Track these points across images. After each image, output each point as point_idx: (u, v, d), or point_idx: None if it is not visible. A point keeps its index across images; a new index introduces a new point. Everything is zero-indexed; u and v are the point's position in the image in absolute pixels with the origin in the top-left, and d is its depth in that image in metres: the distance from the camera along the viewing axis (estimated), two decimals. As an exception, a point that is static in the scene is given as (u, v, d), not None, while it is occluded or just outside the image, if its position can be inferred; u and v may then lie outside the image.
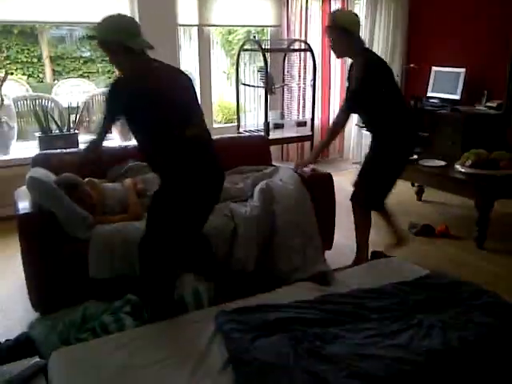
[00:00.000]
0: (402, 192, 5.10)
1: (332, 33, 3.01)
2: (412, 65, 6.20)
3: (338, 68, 6.35)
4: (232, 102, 5.77)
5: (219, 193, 2.49)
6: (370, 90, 2.92)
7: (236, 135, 4.54)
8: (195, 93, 2.48)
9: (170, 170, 2.31)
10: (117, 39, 2.25)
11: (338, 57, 3.21)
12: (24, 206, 2.69)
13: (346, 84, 3.26)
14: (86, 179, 3.03)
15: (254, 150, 3.81)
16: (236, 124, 5.33)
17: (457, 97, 5.54)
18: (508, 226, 4.20)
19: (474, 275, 3.16)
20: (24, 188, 3.01)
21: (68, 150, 3.45)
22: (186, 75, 2.48)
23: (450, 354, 1.94)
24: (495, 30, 5.34)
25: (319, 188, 3.32)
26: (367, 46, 3.11)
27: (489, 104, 5.31)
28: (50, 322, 2.45)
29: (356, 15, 3.13)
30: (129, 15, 2.46)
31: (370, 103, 2.98)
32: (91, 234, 2.70)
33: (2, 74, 4.40)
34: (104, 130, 2.34)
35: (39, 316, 2.65)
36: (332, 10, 3.11)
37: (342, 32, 2.95)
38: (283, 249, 2.98)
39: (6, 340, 2.41)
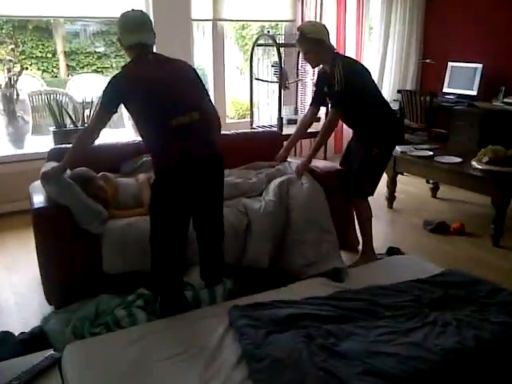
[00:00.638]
0: (416, 189, 5.07)
1: (303, 46, 3.13)
2: (428, 60, 6.13)
3: (353, 63, 6.30)
4: (245, 97, 5.74)
5: (210, 180, 2.46)
6: (356, 89, 3.04)
7: (249, 131, 4.52)
8: (198, 82, 2.51)
9: (156, 160, 2.39)
10: (118, 35, 2.43)
11: (313, 67, 3.37)
12: (39, 200, 2.70)
13: (313, 88, 3.47)
14: (100, 173, 3.04)
15: (267, 146, 3.79)
16: (249, 119, 5.31)
17: (473, 92, 5.47)
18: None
19: (489, 273, 3.12)
20: (39, 182, 3.04)
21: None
22: (188, 66, 2.53)
23: (465, 353, 1.92)
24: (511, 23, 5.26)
25: (334, 183, 3.29)
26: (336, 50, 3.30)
27: (506, 100, 5.23)
28: (63, 316, 2.47)
29: (322, 25, 3.27)
30: (143, 11, 2.50)
31: (355, 103, 3.08)
32: (105, 228, 2.71)
33: (18, 69, 4.42)
34: (102, 125, 2.43)
35: (53, 310, 2.66)
36: (298, 26, 3.30)
37: (313, 43, 3.07)
38: (297, 244, 2.97)
39: (21, 333, 2.44)
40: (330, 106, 3.22)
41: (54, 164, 2.82)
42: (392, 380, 1.75)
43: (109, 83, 2.36)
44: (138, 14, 2.44)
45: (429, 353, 1.90)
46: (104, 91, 2.36)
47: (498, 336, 2.02)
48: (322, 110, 3.69)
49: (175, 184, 2.33)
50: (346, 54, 3.34)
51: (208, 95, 2.58)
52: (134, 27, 2.37)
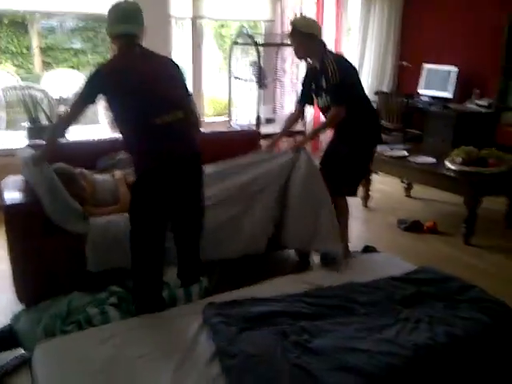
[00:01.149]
0: (391, 188, 5.13)
1: (294, 38, 3.15)
2: (404, 62, 6.21)
3: (331, 64, 6.34)
4: (224, 95, 5.74)
5: (191, 179, 2.45)
6: (347, 86, 3.07)
7: (227, 130, 4.52)
8: (181, 80, 2.49)
9: (137, 160, 2.35)
10: (107, 24, 2.37)
11: (299, 58, 3.32)
12: (10, 196, 2.65)
13: (301, 87, 3.46)
14: (78, 170, 3.00)
15: (244, 145, 3.79)
16: (228, 118, 5.31)
17: (448, 94, 5.56)
18: (495, 222, 4.22)
19: (461, 271, 3.17)
20: (11, 178, 2.98)
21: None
22: (173, 63, 2.49)
23: (436, 349, 1.95)
24: (486, 28, 5.36)
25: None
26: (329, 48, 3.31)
27: (479, 102, 5.33)
28: (34, 314, 2.43)
29: (314, 20, 3.38)
30: (136, 2, 2.46)
31: (345, 100, 3.08)
32: (89, 227, 2.67)
33: (-9, 64, 4.33)
34: (77, 114, 2.37)
35: (24, 308, 2.61)
36: (291, 19, 3.40)
37: (304, 36, 3.10)
38: (294, 222, 3.02)
39: (-10, 332, 2.39)
40: (328, 102, 3.16)
41: (30, 150, 2.78)
42: (364, 375, 1.77)
43: (93, 73, 2.30)
44: (130, 4, 2.40)
45: (401, 348, 1.92)
46: (87, 81, 2.30)
47: (468, 332, 2.06)
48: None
49: (157, 184, 2.30)
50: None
51: (189, 93, 2.57)
52: (123, 17, 2.34)
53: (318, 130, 3.45)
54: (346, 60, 3.25)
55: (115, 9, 2.37)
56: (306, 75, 3.41)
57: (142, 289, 2.41)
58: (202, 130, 3.74)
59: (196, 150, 2.45)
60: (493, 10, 5.23)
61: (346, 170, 3.23)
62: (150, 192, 2.31)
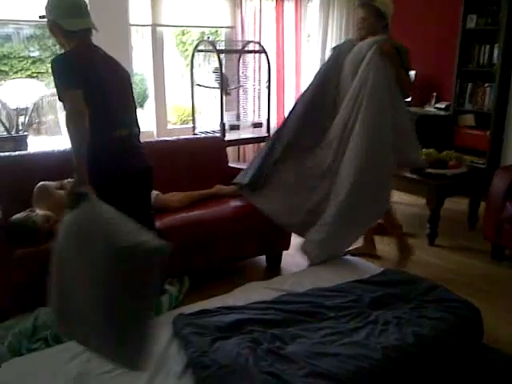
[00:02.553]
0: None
1: (365, 11, 3.09)
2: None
3: (293, 69, 6.40)
4: (187, 103, 5.71)
5: (143, 192, 2.46)
6: None
7: (192, 136, 4.50)
8: (132, 88, 2.41)
9: (93, 167, 2.09)
10: (53, 18, 2.14)
11: (362, 38, 3.15)
12: (-30, 211, 2.57)
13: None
14: (39, 184, 2.92)
15: (210, 152, 3.80)
16: (191, 125, 5.28)
17: (408, 98, 5.68)
18: (458, 223, 4.34)
19: (426, 271, 3.26)
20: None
21: (17, 153, 3.33)
22: (125, 68, 2.39)
23: (405, 350, 1.99)
24: (443, 33, 5.52)
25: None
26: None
27: (438, 105, 5.49)
28: (-1, 333, 2.36)
29: (391, 2, 3.20)
30: None
31: None
32: None
33: None
34: (81, 105, 2.00)
35: (-12, 326, 2.53)
36: None
37: (377, 14, 3.06)
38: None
39: (-48, 352, 2.30)
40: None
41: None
42: (335, 379, 1.79)
43: (58, 62, 2.06)
44: None
45: (370, 351, 1.96)
46: (58, 73, 2.05)
47: (435, 331, 2.11)
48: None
49: (114, 197, 2.16)
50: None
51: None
52: (76, 10, 2.14)
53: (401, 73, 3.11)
54: None
55: (63, 0, 2.15)
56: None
57: None
58: (166, 137, 3.75)
59: (149, 163, 2.43)
60: (448, 16, 5.40)
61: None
62: (114, 201, 2.21)
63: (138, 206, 2.40)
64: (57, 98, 2.10)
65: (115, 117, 2.20)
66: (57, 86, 2.07)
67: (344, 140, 3.00)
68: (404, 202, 4.84)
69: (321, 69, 3.39)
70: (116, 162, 2.21)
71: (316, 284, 2.57)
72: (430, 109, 5.54)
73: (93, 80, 2.08)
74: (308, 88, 3.34)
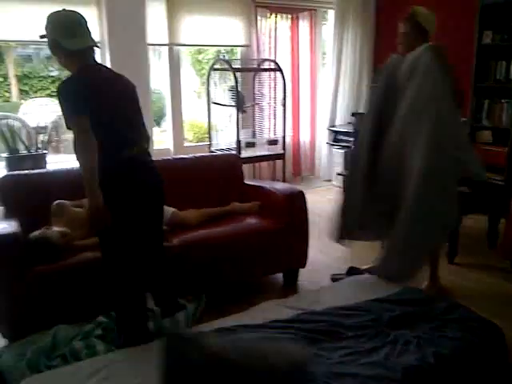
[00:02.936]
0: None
1: (407, 26, 3.03)
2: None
3: (308, 87, 6.44)
4: (203, 120, 5.76)
5: (155, 208, 2.45)
6: None
7: (208, 154, 4.53)
8: (137, 100, 2.37)
9: (105, 187, 2.11)
10: (53, 37, 2.12)
11: (403, 53, 3.10)
12: (-10, 229, 2.61)
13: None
14: (56, 201, 2.96)
15: (226, 169, 3.81)
16: (208, 143, 5.33)
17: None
18: (478, 241, 4.27)
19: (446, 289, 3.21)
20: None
21: (36, 171, 3.38)
22: (131, 84, 2.36)
23: (425, 370, 1.96)
24: (458, 50, 5.50)
25: (292, 205, 3.32)
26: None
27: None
28: (18, 350, 2.37)
29: (433, 16, 3.16)
30: (75, 12, 2.21)
31: None
32: None
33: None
34: (88, 132, 2.02)
35: (7, 343, 2.55)
36: (412, 6, 3.11)
37: (419, 29, 3.00)
38: None
39: (-28, 369, 2.32)
40: None
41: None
42: (356, 401, 1.76)
43: (63, 91, 2.07)
44: (74, 13, 2.17)
45: (390, 372, 1.92)
46: (64, 101, 2.06)
47: (456, 351, 2.07)
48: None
49: (127, 215, 2.23)
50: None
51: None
52: (76, 29, 2.11)
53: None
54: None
55: (63, 19, 2.13)
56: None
57: (127, 321, 2.36)
58: (182, 155, 3.77)
59: (160, 177, 2.45)
60: (463, 32, 5.39)
61: None
62: (130, 218, 2.25)
63: (150, 222, 2.41)
64: None
65: (123, 136, 2.19)
66: (64, 114, 2.09)
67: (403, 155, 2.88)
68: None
69: (376, 91, 3.25)
70: (127, 181, 2.22)
71: (334, 302, 2.54)
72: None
73: (96, 104, 2.07)
74: (368, 115, 3.23)
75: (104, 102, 2.12)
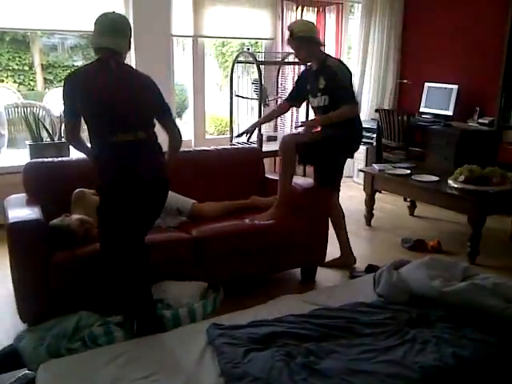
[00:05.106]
0: (394, 206, 5.12)
1: (294, 44, 3.26)
2: (405, 80, 6.25)
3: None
4: (225, 113, 5.76)
5: (151, 201, 2.43)
6: (352, 85, 3.27)
7: (229, 147, 4.52)
8: (155, 101, 2.42)
9: (98, 174, 2.38)
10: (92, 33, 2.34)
11: (301, 61, 3.49)
12: (14, 214, 2.63)
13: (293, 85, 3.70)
14: (77, 190, 2.98)
15: (247, 162, 3.80)
16: (229, 136, 5.32)
17: (449, 113, 5.58)
18: (500, 241, 4.21)
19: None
20: (14, 196, 2.98)
21: (59, 159, 3.41)
22: (152, 83, 2.41)
23: (444, 371, 1.93)
24: (487, 46, 5.41)
25: (313, 201, 3.30)
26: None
27: (481, 120, 5.35)
28: (37, 334, 2.39)
29: (311, 23, 3.45)
30: (124, 16, 2.46)
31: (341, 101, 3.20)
32: None
33: (-6, 81, 4.35)
34: (75, 132, 2.39)
35: (27, 327, 2.59)
36: (288, 25, 3.39)
37: (304, 40, 3.21)
38: None
39: (-7, 352, 2.36)
40: (324, 102, 3.29)
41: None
42: (372, 399, 1.74)
43: (63, 85, 2.30)
44: (116, 16, 2.34)
45: (408, 370, 1.90)
46: (62, 97, 2.32)
47: (476, 353, 2.03)
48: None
49: (117, 200, 2.32)
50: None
51: (170, 116, 2.50)
52: (106, 30, 2.28)
53: (331, 118, 3.28)
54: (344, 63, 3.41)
55: (101, 20, 2.32)
56: (301, 76, 3.57)
57: (134, 310, 2.39)
58: (204, 147, 3.78)
59: (160, 174, 2.42)
60: (493, 28, 5.28)
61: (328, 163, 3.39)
62: (111, 208, 2.33)
63: (139, 220, 2.39)
64: None
65: (114, 123, 2.28)
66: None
67: None
68: (444, 218, 4.73)
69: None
70: (115, 168, 2.31)
71: (352, 299, 2.52)
72: (472, 124, 5.42)
73: (89, 94, 2.25)
74: None
75: (90, 90, 2.26)
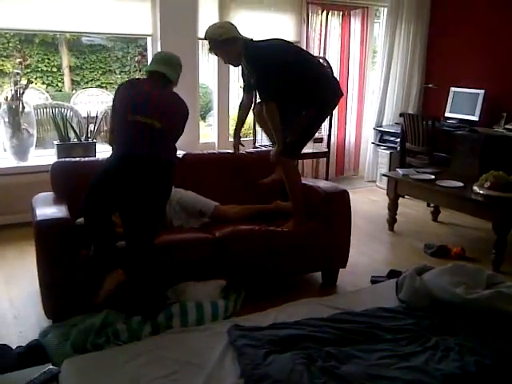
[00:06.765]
0: (417, 212, 5.07)
1: (219, 50, 3.15)
2: (430, 85, 6.19)
3: (356, 85, 6.37)
4: (248, 116, 5.76)
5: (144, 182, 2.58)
6: (271, 72, 3.05)
7: (252, 150, 4.53)
8: (177, 125, 2.74)
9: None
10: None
11: (235, 65, 3.33)
12: (41, 212, 2.69)
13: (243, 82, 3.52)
14: None
15: (270, 166, 3.80)
16: (252, 138, 5.34)
17: (475, 118, 5.50)
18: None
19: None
20: (42, 194, 3.04)
21: (86, 159, 3.47)
22: (182, 108, 2.73)
23: (466, 378, 1.91)
24: (515, 51, 5.32)
25: (336, 204, 3.29)
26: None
27: (507, 126, 5.26)
28: (62, 330, 2.45)
29: (227, 22, 3.41)
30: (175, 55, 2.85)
31: (281, 83, 3.09)
32: None
33: (24, 82, 4.45)
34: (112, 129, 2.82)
35: (51, 323, 2.64)
36: (205, 34, 3.16)
37: (228, 42, 3.07)
38: None
39: (18, 346, 2.41)
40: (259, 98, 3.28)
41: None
42: (392, 404, 1.74)
43: (115, 92, 2.77)
44: (168, 54, 2.86)
45: (429, 378, 1.89)
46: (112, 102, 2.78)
47: (498, 361, 2.01)
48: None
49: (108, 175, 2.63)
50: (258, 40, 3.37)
51: (176, 139, 2.78)
52: (161, 61, 2.75)
53: (274, 128, 3.19)
54: (268, 46, 3.23)
55: (161, 53, 3.05)
56: (243, 70, 3.39)
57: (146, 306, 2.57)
58: (228, 150, 3.79)
59: (162, 156, 2.62)
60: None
61: (297, 132, 3.21)
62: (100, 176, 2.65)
63: (134, 193, 2.58)
64: None
65: (134, 106, 2.61)
66: None
67: None
68: (468, 225, 4.67)
69: None
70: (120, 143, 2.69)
71: (373, 304, 2.51)
72: (498, 129, 5.33)
73: (125, 93, 2.70)
74: None
75: (119, 106, 2.67)
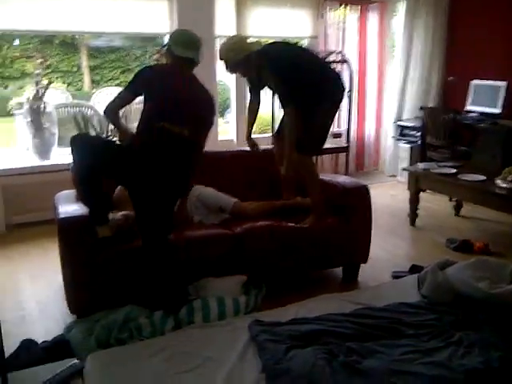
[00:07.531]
0: (439, 206, 5.02)
1: (236, 70, 3.23)
2: (451, 78, 6.10)
3: (375, 79, 6.31)
4: (265, 112, 5.75)
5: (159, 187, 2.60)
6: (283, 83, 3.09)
7: (270, 147, 4.53)
8: (204, 115, 2.71)
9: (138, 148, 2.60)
10: (170, 44, 2.71)
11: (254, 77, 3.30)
12: (64, 210, 2.74)
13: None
14: (119, 187, 3.06)
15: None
16: (271, 135, 5.33)
17: (497, 110, 5.41)
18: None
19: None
20: (64, 192, 3.08)
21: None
22: (210, 103, 2.74)
23: (490, 374, 1.89)
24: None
25: (356, 199, 3.28)
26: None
27: (531, 118, 5.17)
28: (86, 325, 2.49)
29: (239, 39, 3.33)
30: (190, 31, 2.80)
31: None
32: None
33: (45, 82, 4.52)
34: (121, 104, 2.66)
35: (75, 319, 2.68)
36: (220, 55, 3.20)
37: (243, 62, 3.10)
38: None
39: (43, 341, 2.46)
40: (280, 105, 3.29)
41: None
42: (415, 399, 1.72)
43: (141, 69, 2.65)
44: (192, 35, 2.75)
45: (453, 373, 1.87)
46: (135, 75, 2.62)
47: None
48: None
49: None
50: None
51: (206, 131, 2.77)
52: (189, 44, 2.68)
53: (290, 134, 3.19)
54: (279, 55, 3.19)
55: (183, 33, 2.78)
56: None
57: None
58: (235, 148, 3.80)
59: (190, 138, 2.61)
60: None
61: (310, 129, 3.17)
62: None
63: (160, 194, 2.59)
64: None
65: (164, 114, 2.54)
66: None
67: None
68: (492, 219, 4.60)
69: None
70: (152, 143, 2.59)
71: (395, 299, 2.49)
72: (523, 122, 5.24)
73: (154, 85, 2.57)
74: None
75: (160, 86, 2.59)
